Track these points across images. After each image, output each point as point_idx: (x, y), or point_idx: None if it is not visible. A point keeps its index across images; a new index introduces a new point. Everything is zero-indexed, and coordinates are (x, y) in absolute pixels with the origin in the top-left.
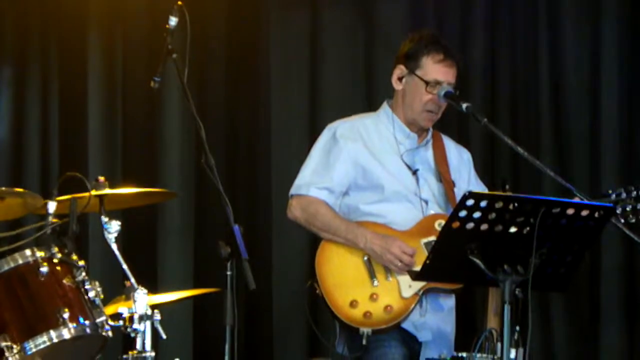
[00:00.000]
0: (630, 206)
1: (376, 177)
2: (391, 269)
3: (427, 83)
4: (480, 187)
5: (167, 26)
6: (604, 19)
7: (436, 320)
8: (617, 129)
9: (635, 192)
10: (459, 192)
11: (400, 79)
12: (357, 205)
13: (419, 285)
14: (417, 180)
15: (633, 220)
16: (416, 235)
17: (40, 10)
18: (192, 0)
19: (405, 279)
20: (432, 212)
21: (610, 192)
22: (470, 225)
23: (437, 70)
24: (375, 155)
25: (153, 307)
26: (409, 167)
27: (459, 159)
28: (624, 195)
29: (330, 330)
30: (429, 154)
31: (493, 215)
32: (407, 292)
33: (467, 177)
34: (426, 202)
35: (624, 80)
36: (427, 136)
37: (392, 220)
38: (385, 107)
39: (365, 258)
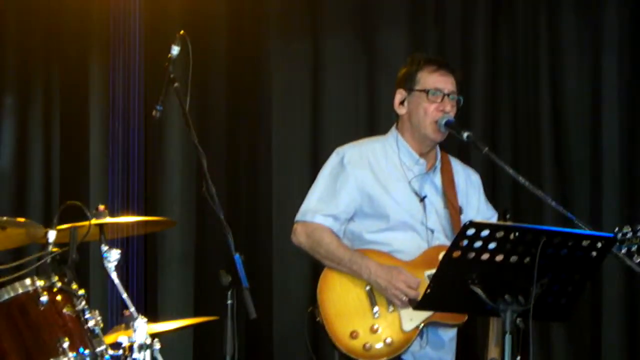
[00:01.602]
0: (635, 246)
1: (382, 206)
2: (395, 303)
3: (427, 92)
4: (489, 211)
5: (169, 55)
6: (605, 49)
7: (437, 352)
8: (618, 159)
9: None
10: (465, 218)
11: (402, 103)
12: (361, 233)
13: (420, 318)
14: (425, 207)
15: (639, 260)
16: (420, 267)
17: (42, 39)
18: (194, 30)
19: (406, 312)
20: (437, 242)
21: (616, 230)
22: (471, 254)
23: (434, 79)
24: (382, 182)
25: (153, 336)
26: (417, 194)
27: (468, 182)
28: (630, 234)
29: (330, 358)
30: (437, 179)
31: (494, 244)
32: (408, 326)
33: (476, 201)
34: (432, 231)
35: (624, 110)
36: (436, 162)
37: (396, 249)
38: (393, 132)
39: (368, 288)
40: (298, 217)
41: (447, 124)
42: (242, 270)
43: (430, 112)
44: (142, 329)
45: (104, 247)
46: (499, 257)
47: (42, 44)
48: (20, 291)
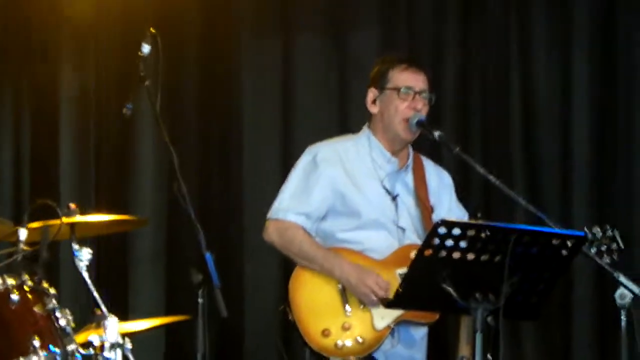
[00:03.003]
0: (605, 246)
1: (354, 204)
2: (365, 302)
3: (398, 90)
4: (460, 211)
5: (140, 53)
6: (575, 45)
7: (408, 350)
8: (588, 158)
9: (610, 232)
10: (436, 218)
11: (374, 102)
12: (333, 232)
13: (391, 317)
14: (396, 206)
15: (607, 260)
16: (391, 265)
17: (12, 38)
18: (164, 28)
19: (378, 310)
20: (408, 241)
21: (585, 231)
22: (442, 253)
23: (404, 77)
24: (354, 181)
25: (124, 335)
26: (389, 193)
27: (439, 182)
28: (599, 234)
29: (301, 355)
30: (408, 178)
31: (465, 243)
32: (380, 324)
33: (447, 201)
34: (403, 230)
35: (594, 108)
36: (408, 161)
37: (368, 247)
38: (365, 131)
39: (340, 286)
40: (270, 215)
41: (418, 123)
42: (213, 268)
43: (401, 110)
44: (113, 328)
45: (76, 246)
46: (470, 256)
47: (11, 41)
48: None
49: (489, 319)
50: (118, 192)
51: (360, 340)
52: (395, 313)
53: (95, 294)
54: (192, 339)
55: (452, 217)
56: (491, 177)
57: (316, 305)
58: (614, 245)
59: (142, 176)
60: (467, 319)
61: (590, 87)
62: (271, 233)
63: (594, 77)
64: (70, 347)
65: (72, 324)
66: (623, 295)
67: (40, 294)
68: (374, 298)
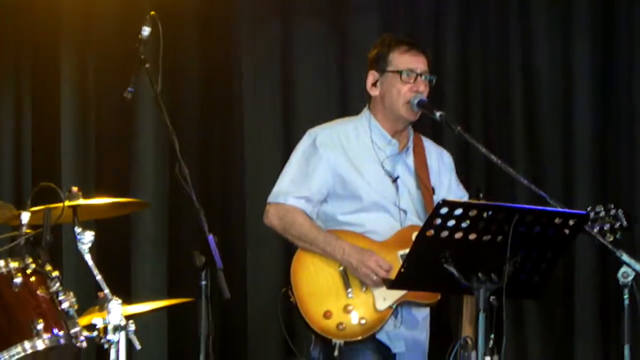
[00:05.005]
0: (608, 225)
1: (355, 187)
2: (366, 283)
3: (400, 73)
4: (460, 191)
5: (140, 36)
6: (576, 31)
7: (411, 331)
8: (590, 137)
9: (613, 211)
10: (438, 199)
11: (374, 84)
12: (334, 215)
13: (393, 298)
14: (397, 188)
15: (611, 239)
16: (393, 247)
17: (13, 24)
18: (164, 10)
19: (380, 292)
20: (410, 223)
21: (589, 209)
22: (444, 233)
23: (406, 59)
24: (354, 164)
25: (127, 317)
26: (389, 175)
27: (440, 162)
28: (602, 213)
29: (304, 338)
30: (409, 160)
31: (467, 223)
32: (382, 305)
33: (447, 182)
34: (405, 212)
35: (596, 89)
36: (408, 143)
37: (370, 229)
38: (366, 113)
39: (341, 268)
40: (270, 199)
41: (420, 104)
42: (216, 250)
43: (403, 93)
44: (117, 311)
45: (78, 229)
46: (472, 236)
47: (12, 26)
48: None
49: (492, 298)
50: (119, 175)
51: (362, 322)
52: (397, 294)
53: (99, 277)
54: (195, 321)
55: (453, 197)
56: (493, 157)
57: (317, 288)
58: (618, 224)
59: (144, 159)
60: (469, 299)
61: (592, 69)
62: (271, 217)
63: (595, 59)
64: (74, 330)
65: (76, 307)
66: (626, 274)
67: (43, 277)
68: (375, 278)
